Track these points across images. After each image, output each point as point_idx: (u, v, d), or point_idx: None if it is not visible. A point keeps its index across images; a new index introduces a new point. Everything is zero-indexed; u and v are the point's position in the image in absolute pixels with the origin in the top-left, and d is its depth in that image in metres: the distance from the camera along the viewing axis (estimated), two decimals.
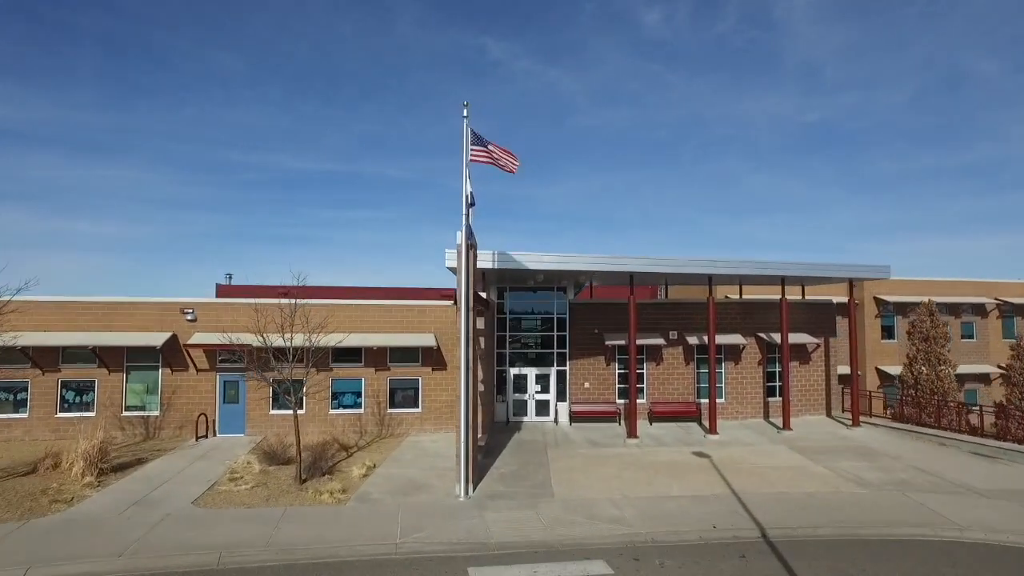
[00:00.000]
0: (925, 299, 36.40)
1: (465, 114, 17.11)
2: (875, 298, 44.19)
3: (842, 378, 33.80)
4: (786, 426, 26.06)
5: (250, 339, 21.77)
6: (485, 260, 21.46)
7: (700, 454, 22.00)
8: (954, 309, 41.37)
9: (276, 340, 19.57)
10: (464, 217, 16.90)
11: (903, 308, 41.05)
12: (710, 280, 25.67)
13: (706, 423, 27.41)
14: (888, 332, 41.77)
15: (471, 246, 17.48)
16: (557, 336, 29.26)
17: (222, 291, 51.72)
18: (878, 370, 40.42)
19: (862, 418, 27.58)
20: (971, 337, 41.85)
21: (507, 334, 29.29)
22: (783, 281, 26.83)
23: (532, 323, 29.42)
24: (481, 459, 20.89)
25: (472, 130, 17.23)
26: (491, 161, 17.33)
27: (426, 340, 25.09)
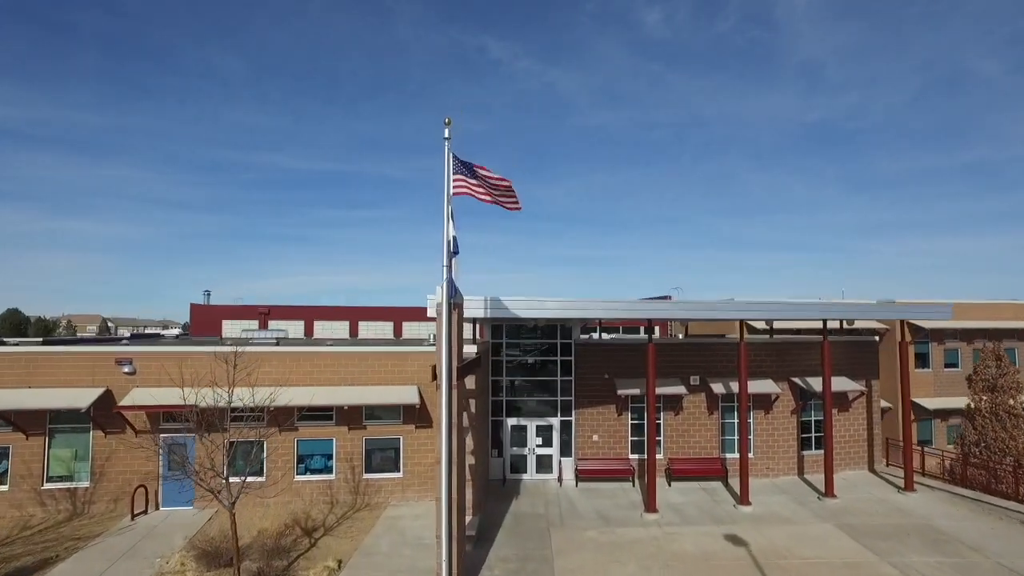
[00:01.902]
0: (963, 325, 32.71)
1: (447, 135, 13.40)
2: (907, 323, 40.65)
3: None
4: (829, 492, 22.28)
5: (204, 393, 18.12)
6: (475, 308, 17.76)
7: (734, 539, 18.23)
8: (993, 335, 37.69)
9: (229, 398, 15.88)
10: (445, 269, 13.14)
11: (938, 335, 37.27)
12: (742, 325, 21.90)
13: (732, 484, 23.67)
14: (922, 360, 38.03)
15: (455, 305, 13.76)
16: (561, 381, 25.52)
17: (197, 313, 48.09)
18: (912, 403, 36.65)
19: (915, 476, 23.81)
20: (1013, 365, 38.20)
21: (503, 378, 25.55)
22: (825, 323, 23.06)
23: (533, 366, 25.66)
24: (471, 550, 17.13)
25: (456, 156, 13.51)
26: (482, 194, 13.61)
27: (407, 395, 21.33)
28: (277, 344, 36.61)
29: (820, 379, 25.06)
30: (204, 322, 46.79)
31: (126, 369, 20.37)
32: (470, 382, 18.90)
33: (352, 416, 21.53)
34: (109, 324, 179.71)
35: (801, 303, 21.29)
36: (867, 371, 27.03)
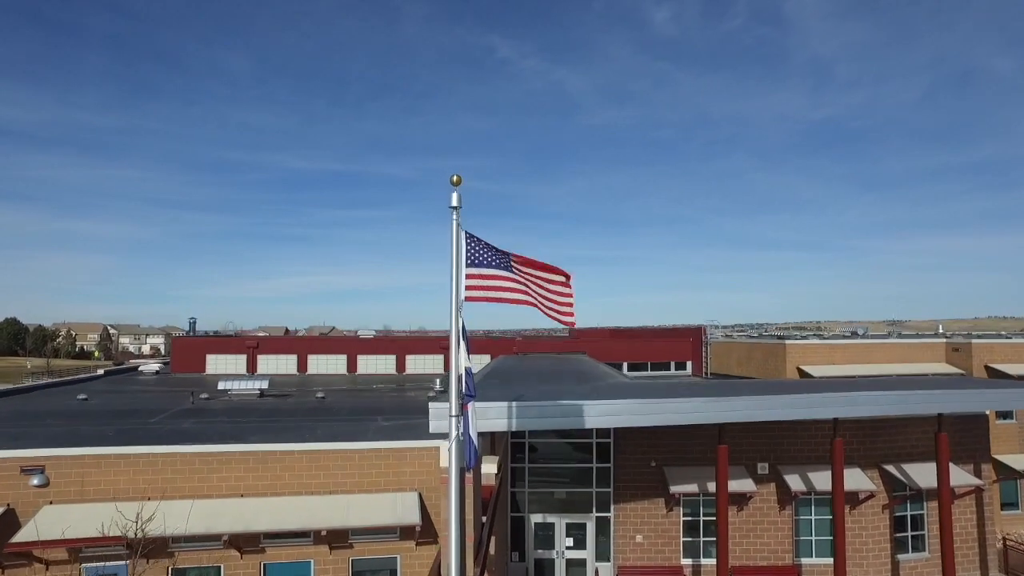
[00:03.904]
0: None
1: (454, 202, 8.56)
2: (987, 367, 35.54)
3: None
4: None
5: (131, 512, 13.63)
6: (494, 420, 12.94)
7: None
8: None
9: (172, 522, 11.21)
10: (453, 421, 8.28)
11: None
12: (835, 423, 16.90)
13: None
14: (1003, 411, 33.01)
15: (467, 468, 8.91)
16: (597, 469, 20.65)
17: (178, 347, 43.43)
18: (995, 460, 31.55)
19: None
20: None
21: (526, 464, 20.72)
22: (940, 418, 17.98)
23: (562, 450, 20.82)
24: None
25: (471, 235, 8.66)
26: (514, 294, 8.75)
27: (404, 511, 16.52)
28: (260, 396, 31.94)
29: (919, 466, 20.18)
30: (186, 356, 42.16)
31: (35, 481, 15.62)
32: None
33: (335, 532, 16.71)
34: (111, 332, 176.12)
35: (911, 394, 16.29)
36: (976, 453, 21.96)
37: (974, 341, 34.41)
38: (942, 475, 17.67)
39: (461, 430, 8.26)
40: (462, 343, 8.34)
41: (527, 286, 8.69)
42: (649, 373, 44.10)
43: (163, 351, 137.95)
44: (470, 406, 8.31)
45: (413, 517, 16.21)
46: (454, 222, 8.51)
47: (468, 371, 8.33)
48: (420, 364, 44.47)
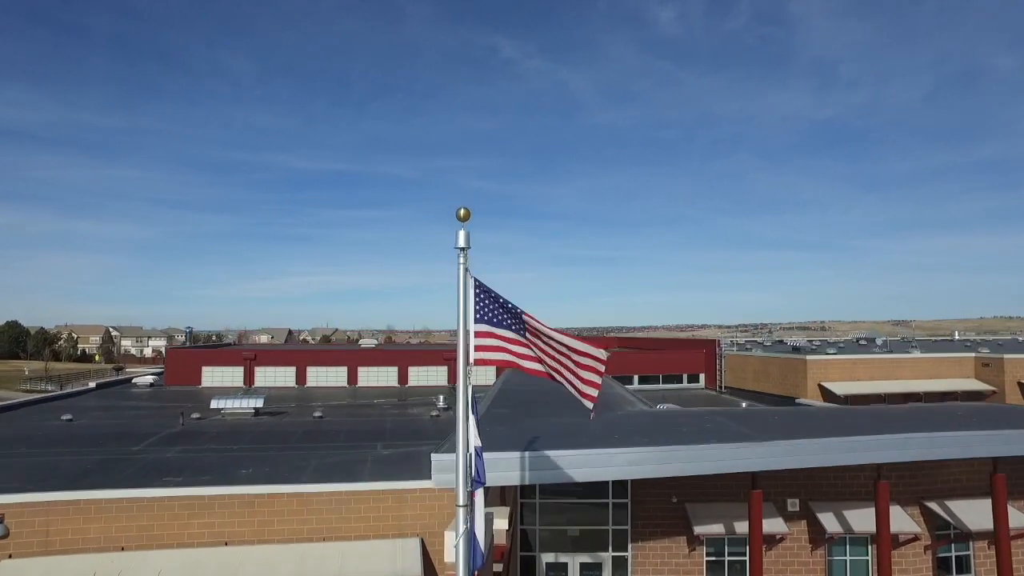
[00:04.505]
0: None
1: (461, 242, 7.07)
2: (1020, 384, 33.80)
3: None
4: None
5: (103, 567, 12.18)
6: (508, 471, 11.39)
7: None
8: None
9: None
10: (459, 513, 6.72)
11: None
12: (879, 470, 15.30)
13: None
14: None
15: (472, 571, 7.32)
16: (614, 505, 19.08)
17: (173, 358, 41.95)
18: None
19: None
20: None
21: (536, 499, 19.16)
22: (996, 464, 16.33)
23: (576, 484, 19.23)
24: None
25: (483, 286, 7.10)
26: (531, 361, 7.18)
27: (405, 558, 14.96)
28: (255, 415, 30.43)
29: (966, 503, 18.55)
30: (181, 368, 40.70)
31: None
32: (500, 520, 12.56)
33: None
34: (113, 334, 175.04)
35: (969, 436, 14.68)
36: None
37: (1006, 356, 32.73)
38: (1000, 518, 16.06)
39: (468, 524, 6.71)
40: (471, 417, 6.78)
41: (543, 352, 7.09)
42: (661, 387, 42.49)
43: (165, 354, 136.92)
44: (479, 495, 6.78)
45: (414, 568, 14.65)
46: (461, 266, 6.97)
47: (478, 451, 6.78)
48: (423, 376, 42.97)
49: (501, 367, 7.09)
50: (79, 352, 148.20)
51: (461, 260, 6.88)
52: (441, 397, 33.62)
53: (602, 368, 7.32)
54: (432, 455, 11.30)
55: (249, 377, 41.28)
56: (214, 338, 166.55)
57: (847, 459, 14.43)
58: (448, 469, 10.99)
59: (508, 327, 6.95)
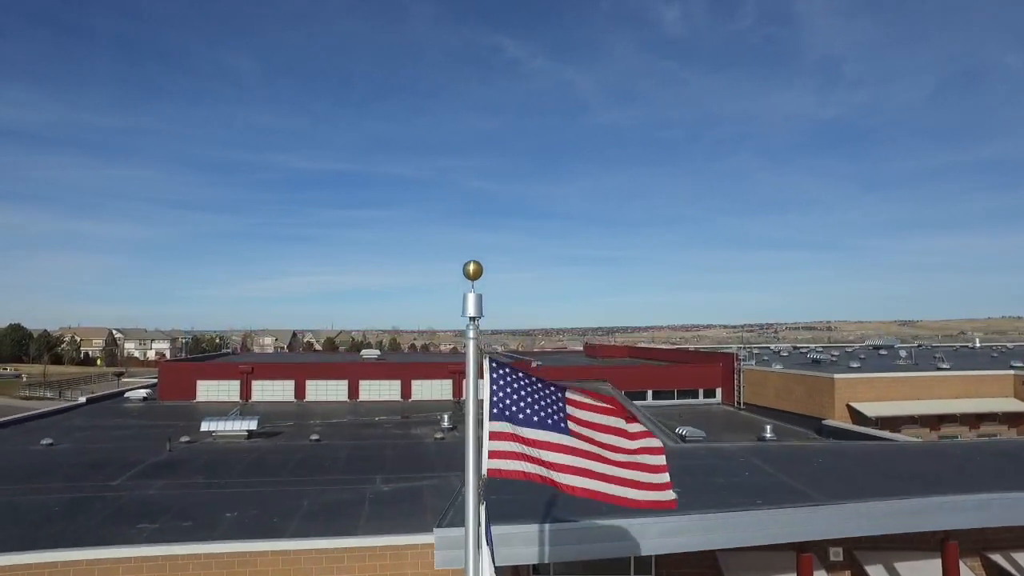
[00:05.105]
0: None
1: (471, 311, 5.23)
2: None
3: None
4: None
5: None
6: (523, 547, 9.57)
7: None
8: None
9: None
10: None
11: None
12: (946, 537, 13.40)
13: None
14: None
15: None
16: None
17: (166, 372, 40.28)
18: None
19: None
20: None
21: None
22: None
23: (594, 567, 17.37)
24: None
25: (496, 365, 5.26)
26: (567, 483, 5.32)
27: None
28: (248, 437, 28.69)
29: None
30: (175, 383, 39.01)
31: None
32: None
33: None
34: (116, 336, 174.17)
35: None
36: None
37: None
38: None
39: None
40: (484, 548, 4.98)
41: (590, 457, 5.26)
42: (676, 402, 40.63)
43: (168, 357, 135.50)
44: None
45: None
46: (471, 341, 5.15)
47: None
48: (427, 390, 41.20)
49: (527, 480, 5.22)
50: (82, 355, 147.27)
51: (471, 335, 5.10)
52: (446, 416, 31.87)
53: (663, 457, 5.58)
54: (435, 530, 9.53)
55: (246, 391, 39.60)
56: (217, 340, 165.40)
57: (922, 524, 12.59)
58: (453, 545, 9.24)
59: (538, 424, 5.16)
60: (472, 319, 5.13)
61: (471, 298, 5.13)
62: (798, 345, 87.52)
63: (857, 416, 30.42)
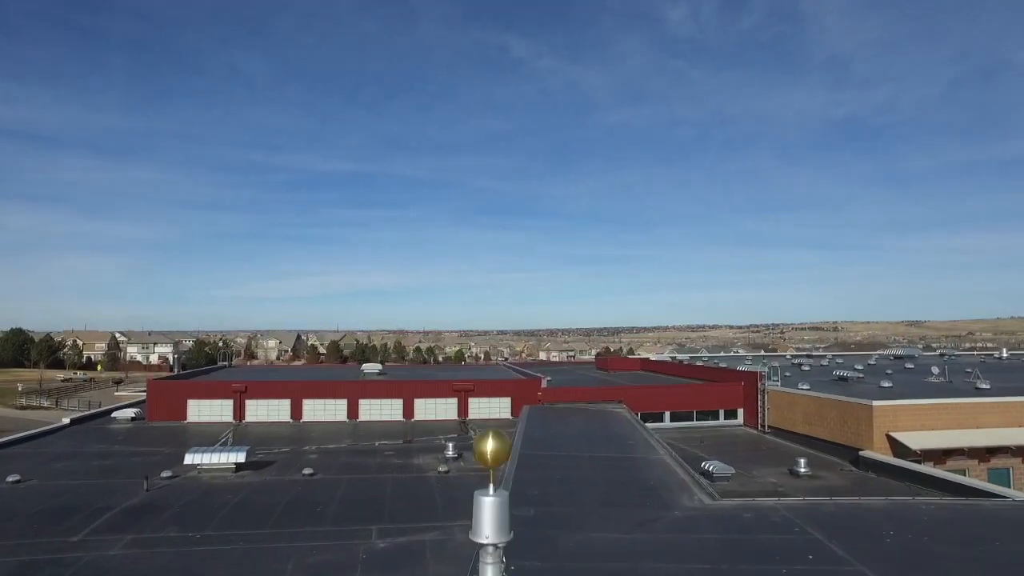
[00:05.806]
0: None
1: (488, 535, 2.73)
2: None
3: None
4: None
5: None
6: None
7: None
8: None
9: None
10: None
11: None
12: None
13: None
14: None
15: None
16: None
17: (156, 391, 37.93)
18: None
19: None
20: None
21: None
22: None
23: None
24: None
25: None
26: None
27: None
28: (236, 471, 26.33)
29: None
30: (165, 402, 36.75)
31: None
32: None
33: None
34: (120, 339, 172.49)
35: None
36: None
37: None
38: None
39: None
40: None
41: None
42: (696, 424, 38.11)
43: (171, 361, 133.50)
44: None
45: None
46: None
47: None
48: (430, 410, 38.82)
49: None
50: (84, 360, 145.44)
51: (489, 560, 2.77)
52: (450, 445, 29.47)
53: None
54: None
55: (239, 411, 37.32)
56: (221, 343, 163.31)
57: None
58: None
59: None
60: (494, 547, 2.79)
61: (487, 508, 2.76)
62: (812, 353, 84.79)
63: (897, 447, 27.91)
